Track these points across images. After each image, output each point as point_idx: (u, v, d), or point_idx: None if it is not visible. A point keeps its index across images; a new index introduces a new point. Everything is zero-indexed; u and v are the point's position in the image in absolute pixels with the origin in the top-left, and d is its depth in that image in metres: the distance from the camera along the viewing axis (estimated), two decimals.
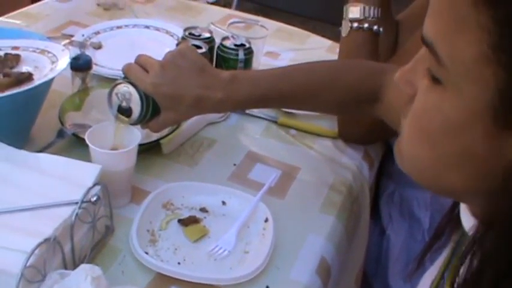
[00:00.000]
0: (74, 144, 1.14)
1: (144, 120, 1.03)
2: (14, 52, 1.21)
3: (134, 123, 1.04)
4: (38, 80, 1.08)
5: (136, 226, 0.97)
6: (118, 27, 1.67)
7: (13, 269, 0.76)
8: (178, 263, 0.95)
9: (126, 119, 1.03)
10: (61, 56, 1.16)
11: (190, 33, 1.39)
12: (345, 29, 1.28)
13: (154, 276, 0.93)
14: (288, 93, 1.07)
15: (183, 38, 1.39)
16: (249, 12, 2.19)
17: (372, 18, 1.26)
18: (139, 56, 1.07)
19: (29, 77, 1.09)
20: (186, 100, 1.01)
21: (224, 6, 2.56)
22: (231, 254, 0.98)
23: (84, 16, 1.84)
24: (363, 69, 1.13)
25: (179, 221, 1.02)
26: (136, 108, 1.01)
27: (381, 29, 1.26)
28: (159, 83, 1.00)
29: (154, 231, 1.00)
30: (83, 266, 0.81)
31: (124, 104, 1.02)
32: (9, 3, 2.02)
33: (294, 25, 1.98)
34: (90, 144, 0.99)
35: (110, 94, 1.03)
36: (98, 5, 1.92)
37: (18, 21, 1.78)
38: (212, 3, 2.76)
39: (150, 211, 1.02)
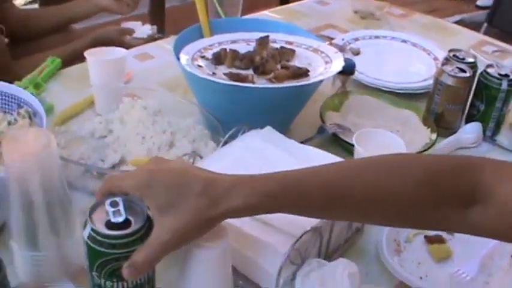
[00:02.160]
0: (331, 143, 1.19)
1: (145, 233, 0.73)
2: (288, 47, 1.29)
3: (136, 238, 0.72)
4: (313, 77, 1.14)
5: (386, 234, 1.00)
6: (376, 37, 1.72)
7: (281, 248, 0.82)
8: (420, 278, 0.96)
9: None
10: (335, 58, 1.21)
11: (454, 55, 1.39)
12: None
13: (396, 285, 0.95)
14: (316, 194, 0.73)
15: (446, 59, 1.39)
16: (494, 37, 2.14)
17: None
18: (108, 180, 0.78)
19: (305, 72, 1.15)
20: (193, 185, 0.71)
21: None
22: (472, 281, 0.98)
23: (341, 21, 1.91)
24: (439, 160, 0.81)
25: (425, 237, 1.04)
26: (137, 215, 0.73)
27: None
28: (155, 169, 0.73)
29: (400, 242, 1.03)
30: (341, 259, 0.84)
31: (116, 217, 0.72)
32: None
33: None
34: (356, 146, 1.04)
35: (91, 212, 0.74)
36: (355, 12, 1.98)
37: (278, 16, 1.89)
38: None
39: None
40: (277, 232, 0.84)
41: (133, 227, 0.72)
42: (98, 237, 0.71)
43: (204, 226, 0.72)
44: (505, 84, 1.32)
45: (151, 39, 1.93)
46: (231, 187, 0.71)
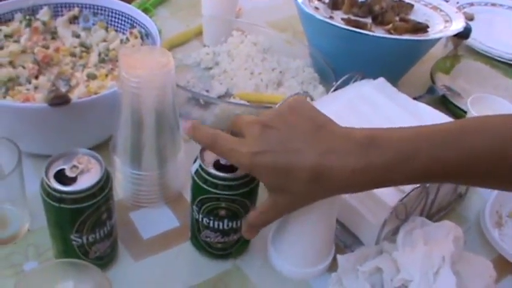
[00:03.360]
0: (439, 105, 1.15)
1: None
2: (407, 0, 1.24)
3: (239, 184, 0.75)
4: (432, 34, 1.10)
5: (490, 204, 0.96)
6: (492, 4, 1.66)
7: (389, 202, 0.80)
8: None
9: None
10: (455, 18, 1.17)
11: None
12: None
13: (494, 258, 0.91)
14: (455, 163, 0.67)
15: None
16: None
17: None
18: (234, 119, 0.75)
19: (425, 28, 1.11)
20: (300, 173, 0.66)
21: None
22: None
23: None
24: None
25: None
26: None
27: None
28: (259, 151, 0.67)
29: (502, 215, 0.99)
30: (446, 221, 0.82)
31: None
32: None
33: None
34: (471, 111, 1.00)
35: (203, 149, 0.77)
36: None
37: None
38: None
39: (503, 193, 1.00)
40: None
41: (239, 172, 0.74)
42: (204, 175, 0.74)
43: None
44: None
45: None
46: (345, 180, 0.67)
